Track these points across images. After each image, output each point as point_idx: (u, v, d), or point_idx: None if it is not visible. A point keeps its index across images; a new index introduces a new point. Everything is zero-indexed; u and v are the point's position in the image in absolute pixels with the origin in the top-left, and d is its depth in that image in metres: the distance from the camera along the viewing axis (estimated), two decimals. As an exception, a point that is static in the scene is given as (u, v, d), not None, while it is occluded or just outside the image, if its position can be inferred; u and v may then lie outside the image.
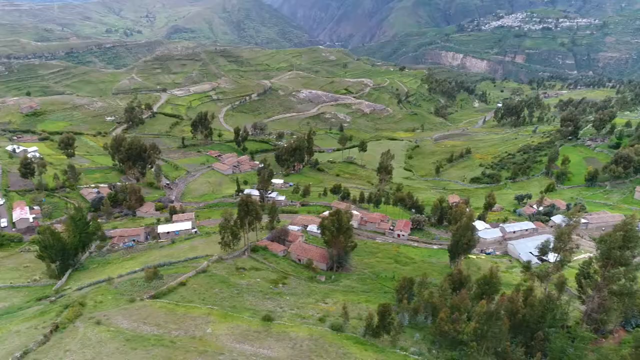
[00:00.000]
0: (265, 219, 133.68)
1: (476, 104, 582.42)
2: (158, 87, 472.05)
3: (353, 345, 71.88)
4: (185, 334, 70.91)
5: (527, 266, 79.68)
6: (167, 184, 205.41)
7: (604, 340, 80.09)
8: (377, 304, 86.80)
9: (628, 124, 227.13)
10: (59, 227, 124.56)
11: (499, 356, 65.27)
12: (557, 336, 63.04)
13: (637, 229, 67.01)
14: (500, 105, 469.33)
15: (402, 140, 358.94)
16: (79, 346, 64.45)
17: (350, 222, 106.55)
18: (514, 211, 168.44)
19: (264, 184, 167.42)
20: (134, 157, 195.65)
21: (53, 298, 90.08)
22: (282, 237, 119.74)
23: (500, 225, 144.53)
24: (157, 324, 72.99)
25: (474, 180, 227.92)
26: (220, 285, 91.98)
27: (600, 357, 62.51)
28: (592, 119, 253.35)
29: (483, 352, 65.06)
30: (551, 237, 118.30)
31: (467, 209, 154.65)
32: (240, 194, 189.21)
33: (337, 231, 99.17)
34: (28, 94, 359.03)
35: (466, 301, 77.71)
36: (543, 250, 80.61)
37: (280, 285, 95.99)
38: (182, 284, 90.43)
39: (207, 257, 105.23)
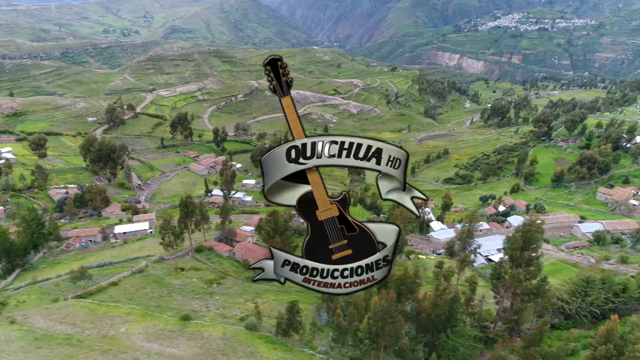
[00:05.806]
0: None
1: (467, 105, 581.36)
2: (151, 87, 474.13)
3: (263, 345, 73.00)
4: (97, 333, 72.20)
5: (438, 266, 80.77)
6: (139, 185, 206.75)
7: (519, 339, 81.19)
8: (307, 304, 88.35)
9: (599, 125, 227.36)
10: (12, 228, 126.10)
11: (397, 354, 66.42)
12: (454, 336, 64.04)
13: (538, 229, 67.83)
14: (490, 105, 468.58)
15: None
16: (-16, 344, 65.96)
17: (290, 224, 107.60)
18: (477, 212, 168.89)
19: (227, 185, 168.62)
20: (104, 157, 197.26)
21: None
22: (229, 237, 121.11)
23: (456, 226, 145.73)
24: (73, 324, 74.31)
25: (447, 180, 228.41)
26: (153, 285, 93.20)
27: (494, 356, 63.41)
28: (564, 120, 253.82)
29: (382, 350, 66.20)
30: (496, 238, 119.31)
31: (427, 208, 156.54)
32: (209, 194, 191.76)
33: (273, 232, 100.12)
34: (11, 94, 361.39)
35: (382, 300, 78.89)
36: (449, 250, 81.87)
37: (215, 285, 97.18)
38: (114, 283, 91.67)
39: (148, 257, 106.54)
